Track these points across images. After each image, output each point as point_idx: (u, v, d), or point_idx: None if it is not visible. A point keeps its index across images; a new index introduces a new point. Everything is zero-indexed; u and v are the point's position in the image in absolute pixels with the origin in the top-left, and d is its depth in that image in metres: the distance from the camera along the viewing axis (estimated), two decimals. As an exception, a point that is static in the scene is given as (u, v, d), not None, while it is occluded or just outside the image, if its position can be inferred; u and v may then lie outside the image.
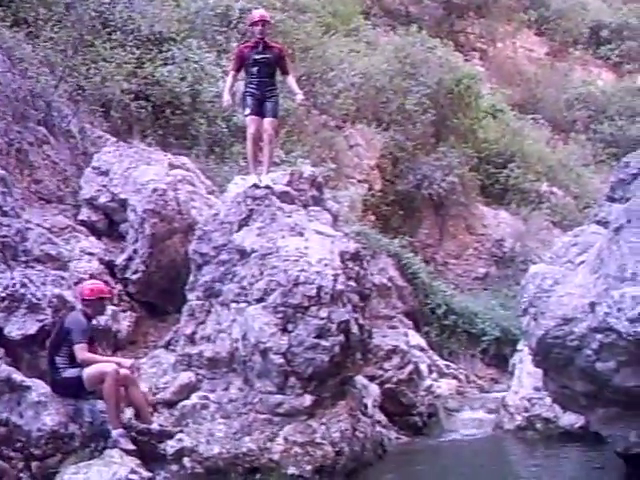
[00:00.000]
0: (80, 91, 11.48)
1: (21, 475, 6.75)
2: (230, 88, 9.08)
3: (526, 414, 9.56)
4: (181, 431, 7.46)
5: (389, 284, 11.29)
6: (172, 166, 10.44)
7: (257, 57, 8.82)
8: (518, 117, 19.67)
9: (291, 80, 9.21)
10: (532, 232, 15.53)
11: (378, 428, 8.60)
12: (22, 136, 10.24)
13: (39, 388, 7.16)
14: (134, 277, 9.47)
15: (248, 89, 8.92)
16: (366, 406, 8.52)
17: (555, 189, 17.54)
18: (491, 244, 15.28)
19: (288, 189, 9.08)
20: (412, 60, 16.69)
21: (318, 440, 7.48)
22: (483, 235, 15.41)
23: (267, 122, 8.80)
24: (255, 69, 8.85)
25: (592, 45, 26.05)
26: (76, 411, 7.21)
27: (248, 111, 8.86)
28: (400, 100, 16.04)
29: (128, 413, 7.39)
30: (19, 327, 7.73)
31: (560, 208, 16.77)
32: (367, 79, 15.96)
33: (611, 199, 7.83)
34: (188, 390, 7.89)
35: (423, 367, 10.33)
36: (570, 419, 9.21)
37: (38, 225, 9.04)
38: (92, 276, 8.92)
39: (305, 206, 9.11)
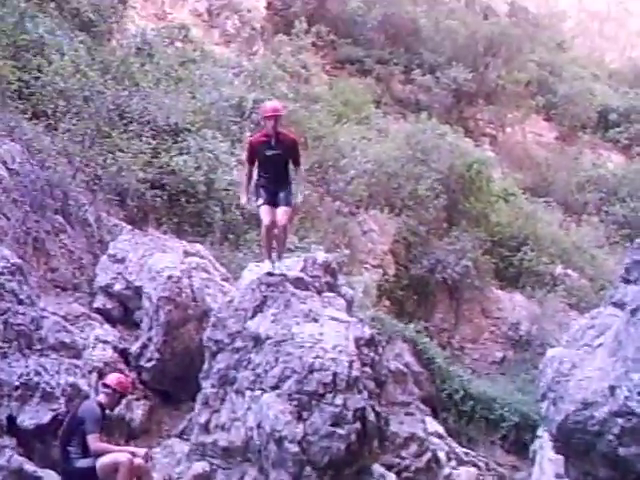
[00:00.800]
0: (97, 180, 11.70)
1: None
2: (247, 186, 8.87)
3: (549, 504, 9.28)
4: (195, 524, 7.32)
5: (405, 370, 11.17)
6: (187, 253, 10.53)
7: (269, 154, 8.61)
8: (530, 200, 19.82)
9: (300, 175, 9.13)
10: (548, 315, 15.42)
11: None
12: (39, 225, 10.39)
13: (51, 479, 7.06)
14: (148, 365, 9.44)
15: (261, 182, 8.73)
16: (385, 495, 8.33)
17: (570, 271, 17.50)
18: (507, 327, 15.17)
19: (302, 275, 9.12)
20: (423, 146, 16.97)
21: (335, 535, 7.28)
22: (499, 319, 15.32)
23: (281, 212, 8.58)
24: (267, 165, 8.67)
25: (600, 129, 26.43)
26: (90, 503, 7.09)
27: (261, 201, 8.66)
28: (412, 186, 16.24)
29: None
30: (32, 416, 7.70)
31: (575, 290, 16.68)
32: (379, 166, 16.21)
33: (626, 281, 7.80)
34: (202, 480, 7.78)
35: (441, 455, 10.12)
36: (595, 508, 8.91)
37: (53, 313, 9.08)
38: (108, 365, 8.91)
39: (319, 292, 9.12)
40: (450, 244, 15.57)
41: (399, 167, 16.40)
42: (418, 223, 15.79)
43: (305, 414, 7.63)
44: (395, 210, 15.82)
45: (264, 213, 8.60)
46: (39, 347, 8.44)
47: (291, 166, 8.95)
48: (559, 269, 17.48)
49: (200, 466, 7.89)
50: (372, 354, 8.59)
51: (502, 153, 23.24)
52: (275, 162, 8.64)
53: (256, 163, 8.83)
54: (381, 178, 16.13)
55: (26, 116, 11.53)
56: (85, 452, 7.24)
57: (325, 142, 15.59)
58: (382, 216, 15.63)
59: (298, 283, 8.89)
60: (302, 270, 9.26)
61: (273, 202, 8.62)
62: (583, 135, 25.66)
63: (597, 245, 19.45)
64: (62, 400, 7.92)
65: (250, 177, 8.86)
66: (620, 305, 7.72)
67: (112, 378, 7.79)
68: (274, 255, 8.81)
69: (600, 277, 17.32)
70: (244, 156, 9.31)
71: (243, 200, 9.01)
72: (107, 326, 9.75)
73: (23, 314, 8.47)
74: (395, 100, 22.63)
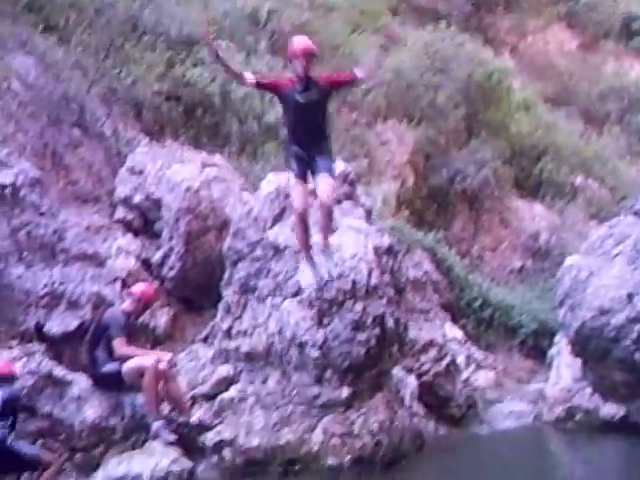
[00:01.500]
0: (112, 93, 11.60)
1: (65, 466, 6.85)
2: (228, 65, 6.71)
3: (566, 405, 9.43)
4: (220, 423, 7.53)
5: (424, 278, 11.22)
6: (205, 164, 10.51)
7: (300, 99, 6.55)
8: (551, 110, 19.45)
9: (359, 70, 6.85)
10: (567, 225, 15.31)
11: (416, 420, 8.57)
12: (57, 139, 10.39)
13: (80, 382, 7.31)
14: (170, 274, 9.55)
15: (291, 144, 6.76)
16: (403, 398, 8.50)
17: (590, 181, 17.29)
18: (526, 237, 15.07)
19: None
20: (442, 55, 16.56)
21: (356, 431, 7.52)
22: (518, 228, 15.23)
23: (323, 184, 6.50)
24: (298, 116, 6.62)
25: (624, 37, 25.69)
26: (117, 404, 7.34)
27: (292, 174, 6.75)
28: (431, 96, 15.92)
29: (167, 407, 7.45)
30: (59, 324, 7.90)
31: (596, 200, 16.53)
32: (397, 75, 15.89)
33: (647, 191, 7.76)
34: (226, 383, 7.96)
35: (460, 359, 10.26)
36: (610, 410, 9.07)
37: (75, 224, 9.18)
38: (131, 274, 9.03)
39: (338, 202, 9.11)
40: (470, 154, 15.36)
41: (417, 77, 16.05)
42: (437, 133, 15.53)
43: (325, 320, 7.77)
44: (414, 120, 15.56)
45: (296, 194, 6.64)
46: (62, 257, 8.60)
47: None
48: (579, 179, 17.28)
49: (224, 369, 8.07)
50: (391, 262, 8.65)
51: (522, 62, 22.67)
52: (309, 112, 6.60)
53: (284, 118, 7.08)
54: (399, 88, 15.82)
55: (38, 29, 11.39)
56: (111, 357, 7.45)
57: (341, 52, 15.26)
58: (400, 127, 15.39)
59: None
60: (320, 180, 9.22)
61: (309, 173, 6.65)
62: (606, 44, 24.93)
63: (618, 155, 19.17)
64: (87, 308, 8.12)
65: (237, 76, 6.75)
66: (640, 214, 7.70)
67: (137, 287, 7.96)
68: (315, 247, 6.88)
69: (621, 187, 17.12)
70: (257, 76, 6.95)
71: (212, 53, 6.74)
72: (129, 236, 9.84)
73: (46, 226, 8.60)
74: (412, 8, 21.98)
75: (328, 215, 6.66)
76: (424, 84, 16.02)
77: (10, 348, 7.51)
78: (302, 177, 6.59)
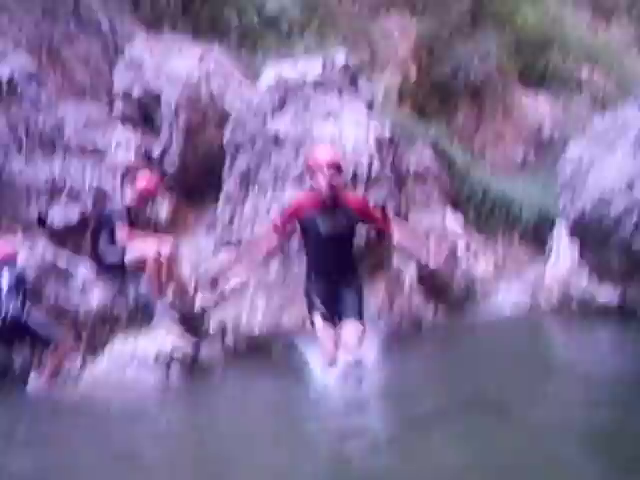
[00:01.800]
0: (108, -17, 11.34)
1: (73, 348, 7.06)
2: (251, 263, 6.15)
3: (563, 292, 9.57)
4: (222, 309, 7.68)
5: (425, 171, 11.20)
6: (204, 57, 10.35)
7: (324, 228, 5.64)
8: (557, 1, 18.94)
9: (402, 239, 6.04)
10: (572, 117, 15.14)
11: (414, 306, 8.73)
12: (52, 32, 10.21)
13: (84, 270, 7.40)
14: (171, 169, 9.54)
15: (312, 277, 5.87)
16: (403, 284, 8.63)
17: (596, 74, 17.02)
18: (529, 131, 14.94)
19: (321, 76, 8.99)
20: (445, -57, 16.07)
21: (357, 313, 7.61)
22: (521, 122, 15.08)
23: (349, 330, 5.55)
24: (320, 245, 5.72)
25: None
26: (120, 291, 7.48)
27: (316, 314, 5.74)
28: (434, -14, 15.55)
29: (170, 293, 7.60)
30: (61, 216, 7.95)
31: (601, 93, 16.29)
32: (399, -35, 15.46)
33: (652, 81, 7.67)
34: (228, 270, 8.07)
35: (460, 248, 10.36)
36: (607, 295, 9.20)
37: (74, 119, 9.14)
38: (131, 168, 9.04)
39: (339, 93, 9.03)
40: (474, 47, 15.07)
41: (420, -34, 15.64)
42: (441, 25, 15.21)
43: (327, 209, 7.78)
44: (417, 12, 15.23)
45: (324, 341, 5.56)
46: (62, 152, 8.60)
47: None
48: (585, 72, 17.00)
49: (226, 258, 8.18)
50: (392, 154, 8.65)
51: (530, -49, 21.98)
52: (335, 242, 5.71)
53: (301, 244, 6.23)
54: (402, -22, 15.43)
55: None
56: (114, 248, 7.55)
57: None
58: (403, 18, 15.07)
59: (317, 84, 8.80)
60: (321, 71, 9.11)
61: (335, 314, 5.68)
62: None
63: (626, 47, 18.77)
64: (88, 201, 8.17)
65: (270, 253, 6.07)
66: (644, 105, 7.64)
67: (140, 179, 7.98)
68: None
69: (627, 80, 16.84)
70: (274, 224, 6.09)
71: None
72: (128, 130, 9.80)
73: (44, 120, 8.57)
74: None
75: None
76: (427, -26, 15.60)
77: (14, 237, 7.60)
78: (329, 318, 5.62)
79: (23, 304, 6.84)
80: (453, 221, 10.47)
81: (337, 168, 5.69)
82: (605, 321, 8.85)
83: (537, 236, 11.32)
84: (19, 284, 6.98)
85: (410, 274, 8.70)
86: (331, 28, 13.43)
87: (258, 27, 12.22)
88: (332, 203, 5.61)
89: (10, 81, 8.46)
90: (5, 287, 6.86)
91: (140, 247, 7.43)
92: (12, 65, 8.58)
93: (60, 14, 10.34)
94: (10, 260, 7.02)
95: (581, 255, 9.12)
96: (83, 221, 8.02)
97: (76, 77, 10.15)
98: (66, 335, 6.93)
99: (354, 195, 6.20)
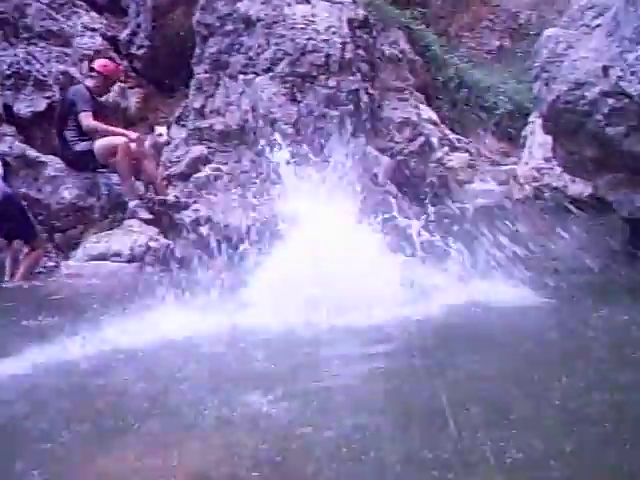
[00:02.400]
0: None
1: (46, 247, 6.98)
2: None
3: (535, 184, 9.61)
4: (196, 202, 7.63)
5: (400, 56, 10.96)
6: None
7: None
8: None
9: None
10: (549, 2, 14.84)
11: (389, 199, 8.72)
12: None
13: (54, 163, 7.26)
14: (139, 52, 9.25)
15: None
16: (377, 176, 8.61)
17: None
18: (506, 16, 14.63)
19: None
20: None
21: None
22: (498, 6, 14.71)
23: None
24: None
25: None
26: (92, 184, 7.35)
27: None
28: None
29: (142, 185, 7.51)
30: (27, 105, 7.73)
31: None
32: None
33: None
34: (201, 163, 7.97)
35: (434, 140, 10.28)
36: (578, 188, 9.26)
37: (36, 0, 8.73)
38: (98, 52, 8.74)
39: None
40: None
41: None
42: None
43: (299, 96, 7.66)
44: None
45: None
46: (26, 35, 8.26)
47: None
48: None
49: (198, 149, 8.06)
50: (366, 37, 8.45)
51: None
52: None
53: None
54: None
55: None
56: (81, 135, 7.35)
57: None
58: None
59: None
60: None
61: None
62: None
63: None
64: (55, 88, 7.92)
65: None
66: (623, -15, 7.43)
67: (98, 62, 7.72)
68: None
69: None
70: None
71: None
72: (94, 14, 9.38)
73: (4, 1, 8.18)
74: None
75: None
76: None
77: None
78: None
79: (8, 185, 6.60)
80: (428, 111, 10.35)
81: None
82: (575, 212, 8.97)
83: (512, 127, 11.29)
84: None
85: (384, 168, 8.66)
86: None
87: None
88: None
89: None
90: None
91: (109, 138, 7.24)
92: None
93: None
94: None
95: (553, 146, 9.11)
96: (51, 109, 7.77)
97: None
98: (43, 239, 6.79)
99: None
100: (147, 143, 7.66)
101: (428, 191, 9.50)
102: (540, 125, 9.38)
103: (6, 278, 6.60)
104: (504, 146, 11.51)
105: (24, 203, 6.69)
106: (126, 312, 4.40)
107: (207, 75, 8.27)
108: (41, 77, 7.84)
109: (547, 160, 9.53)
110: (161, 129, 7.79)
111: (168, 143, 7.88)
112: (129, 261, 6.61)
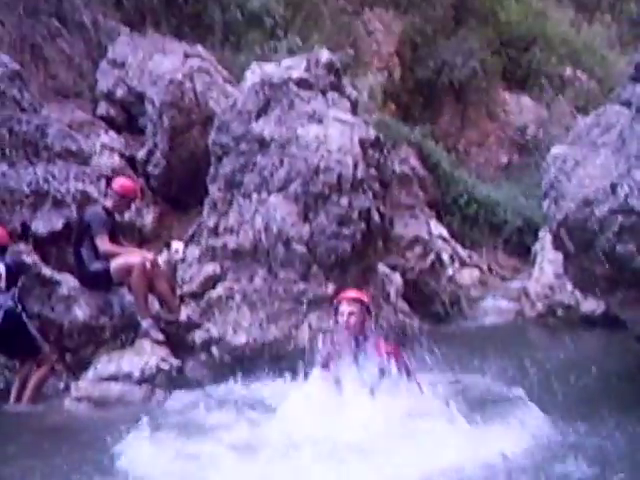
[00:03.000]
0: (91, -19, 11.19)
1: (56, 367, 6.94)
2: None
3: (547, 301, 9.62)
4: (208, 321, 7.61)
5: (410, 173, 11.17)
6: (188, 56, 10.25)
7: None
8: (541, -2, 18.96)
9: None
10: (555, 118, 15.22)
11: (401, 316, 8.71)
12: (35, 30, 10.08)
13: (69, 282, 7.28)
14: (155, 171, 9.48)
15: None
16: (389, 294, 8.61)
17: (579, 73, 17.07)
18: (513, 131, 15.01)
19: (306, 75, 8.87)
20: (428, -62, 15.99)
21: (343, 326, 7.57)
22: (505, 122, 15.11)
23: None
24: None
25: None
26: (105, 303, 7.35)
27: None
28: (418, -19, 15.49)
29: (156, 305, 7.52)
30: (45, 223, 7.83)
31: (584, 93, 16.36)
32: (383, -40, 15.37)
33: (635, 79, 7.62)
34: (213, 281, 7.99)
35: (445, 257, 10.36)
36: (591, 305, 9.26)
37: (57, 121, 9.00)
38: (115, 171, 8.94)
39: (323, 93, 8.92)
40: (457, 44, 15.07)
41: (404, -39, 15.55)
42: (424, 22, 15.19)
43: (311, 215, 7.74)
44: (401, 8, 15.18)
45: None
46: (46, 155, 8.44)
47: None
48: (568, 70, 17.05)
49: (211, 268, 8.09)
50: (377, 156, 8.56)
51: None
52: None
53: None
54: (385, -26, 15.35)
55: None
56: (97, 255, 7.42)
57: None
58: (388, 15, 15.03)
59: (301, 83, 8.67)
60: (305, 70, 9.00)
61: None
62: None
63: (608, 45, 18.84)
64: (73, 207, 8.04)
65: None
66: (627, 104, 7.58)
67: (116, 182, 7.85)
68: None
69: (610, 79, 16.91)
70: None
71: None
72: (112, 133, 9.69)
73: (27, 122, 8.40)
74: None
75: None
76: (411, -31, 15.52)
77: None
78: None
79: (17, 300, 6.62)
80: (439, 228, 10.47)
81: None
82: (589, 330, 8.91)
83: (522, 243, 11.39)
84: (15, 272, 6.73)
85: (395, 285, 8.68)
86: (315, 25, 13.35)
87: (241, 25, 12.12)
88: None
89: (-8, 80, 8.27)
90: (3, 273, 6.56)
91: (125, 257, 7.31)
92: (-6, 64, 8.39)
93: (43, 12, 10.18)
94: (2, 246, 6.79)
95: (564, 264, 9.14)
96: (67, 227, 7.87)
97: (59, 77, 10.03)
98: (51, 350, 6.77)
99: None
100: (162, 260, 7.71)
101: (440, 309, 9.52)
102: (550, 241, 9.43)
103: (11, 401, 6.53)
104: (515, 262, 11.58)
105: (27, 318, 6.66)
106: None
107: (221, 194, 8.39)
108: (59, 196, 7.98)
109: (558, 277, 9.54)
110: (177, 245, 7.86)
111: (183, 260, 7.94)
112: (139, 382, 6.54)
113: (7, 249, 6.92)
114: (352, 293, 5.89)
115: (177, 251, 7.76)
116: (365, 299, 5.74)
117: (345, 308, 5.51)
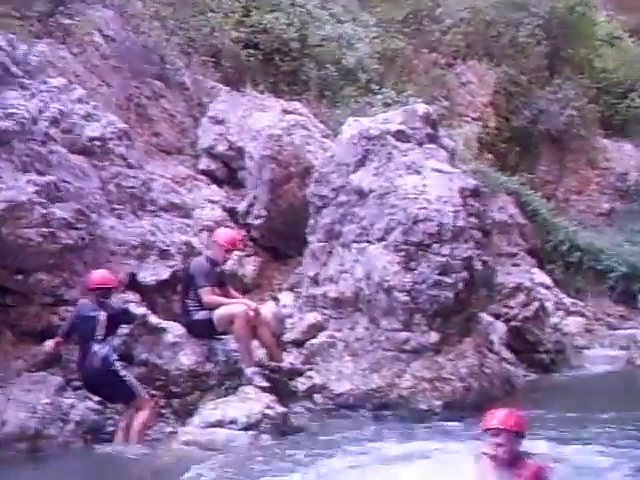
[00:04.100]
0: (191, 43, 11.64)
1: (163, 411, 7.04)
2: None
3: (658, 347, 9.25)
4: (311, 369, 7.61)
5: (510, 221, 11.04)
6: (285, 112, 10.49)
7: None
8: (637, 44, 18.65)
9: None
10: (656, 164, 14.82)
11: (505, 365, 8.51)
12: (140, 91, 10.51)
13: (175, 330, 7.41)
14: (256, 223, 9.65)
15: None
16: (492, 343, 8.44)
17: (679, 117, 16.60)
18: (614, 178, 14.66)
19: (403, 127, 8.95)
20: (521, -9, 16.03)
21: (446, 376, 7.47)
22: (606, 169, 14.78)
23: None
24: None
25: None
26: (210, 351, 7.45)
27: None
28: (511, 33, 15.50)
29: (259, 352, 7.56)
30: (152, 273, 8.03)
31: (684, 137, 15.89)
32: (476, 13, 15.47)
33: None
34: (315, 330, 8.02)
35: (549, 304, 10.10)
36: None
37: (161, 176, 9.32)
38: (217, 223, 9.14)
39: (420, 144, 8.96)
40: (553, 93, 14.92)
41: (497, 14, 15.61)
42: (519, 72, 15.14)
43: (412, 264, 7.70)
44: (494, 60, 15.18)
45: None
46: (151, 208, 8.73)
47: None
48: (668, 115, 16.61)
49: (312, 316, 8.13)
50: (477, 204, 8.49)
51: (607, -6, 21.74)
52: None
53: None
54: (478, 26, 15.41)
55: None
56: (201, 305, 7.55)
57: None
58: (481, 66, 15.05)
59: (399, 135, 8.75)
60: (402, 122, 9.08)
61: None
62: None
63: None
64: (178, 257, 8.24)
65: None
66: None
67: (219, 233, 8.01)
68: None
69: None
70: None
71: None
72: (213, 186, 9.96)
73: (134, 177, 8.73)
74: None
75: None
76: (504, 21, 15.55)
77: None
78: None
79: (112, 349, 6.77)
80: (541, 275, 10.24)
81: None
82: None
83: (628, 290, 11.01)
84: (117, 320, 6.90)
85: (499, 334, 8.50)
86: (408, 79, 13.48)
87: (337, 80, 12.34)
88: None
89: (102, 139, 8.64)
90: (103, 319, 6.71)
91: (229, 307, 7.41)
92: (104, 124, 8.77)
93: (146, 73, 10.63)
94: (108, 290, 6.97)
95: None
96: (173, 277, 8.07)
97: (162, 134, 10.39)
98: (149, 400, 6.84)
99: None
100: (269, 312, 7.80)
101: (545, 357, 9.24)
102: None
103: (115, 442, 6.62)
104: (621, 310, 11.20)
105: (120, 364, 6.76)
106: None
107: (321, 244, 8.47)
108: (164, 247, 8.20)
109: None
110: (285, 298, 7.92)
111: (291, 315, 8.03)
112: (245, 429, 6.55)
113: (112, 293, 7.08)
114: (496, 419, 4.65)
115: (285, 306, 7.87)
116: (512, 424, 4.61)
117: (491, 440, 4.60)
